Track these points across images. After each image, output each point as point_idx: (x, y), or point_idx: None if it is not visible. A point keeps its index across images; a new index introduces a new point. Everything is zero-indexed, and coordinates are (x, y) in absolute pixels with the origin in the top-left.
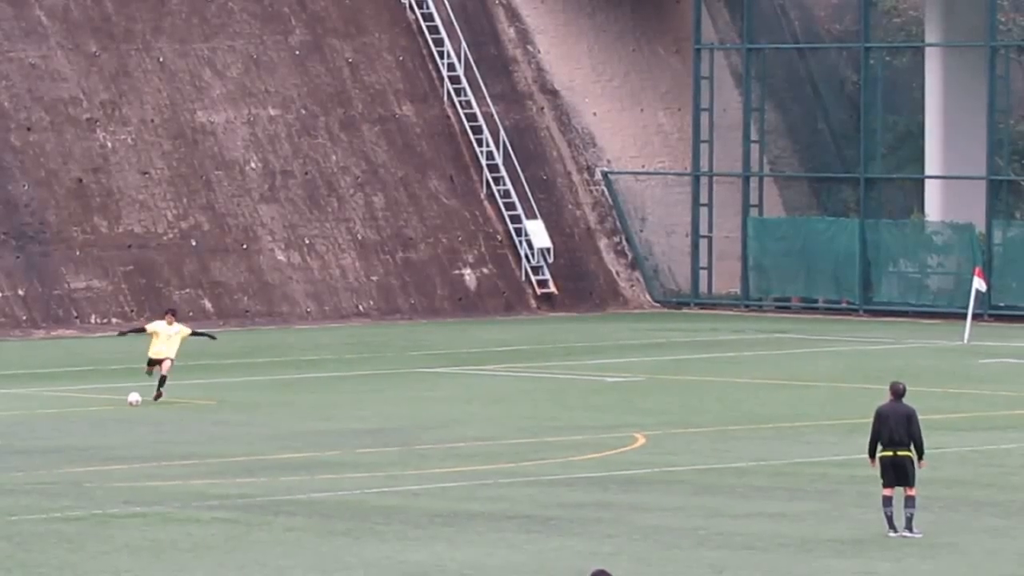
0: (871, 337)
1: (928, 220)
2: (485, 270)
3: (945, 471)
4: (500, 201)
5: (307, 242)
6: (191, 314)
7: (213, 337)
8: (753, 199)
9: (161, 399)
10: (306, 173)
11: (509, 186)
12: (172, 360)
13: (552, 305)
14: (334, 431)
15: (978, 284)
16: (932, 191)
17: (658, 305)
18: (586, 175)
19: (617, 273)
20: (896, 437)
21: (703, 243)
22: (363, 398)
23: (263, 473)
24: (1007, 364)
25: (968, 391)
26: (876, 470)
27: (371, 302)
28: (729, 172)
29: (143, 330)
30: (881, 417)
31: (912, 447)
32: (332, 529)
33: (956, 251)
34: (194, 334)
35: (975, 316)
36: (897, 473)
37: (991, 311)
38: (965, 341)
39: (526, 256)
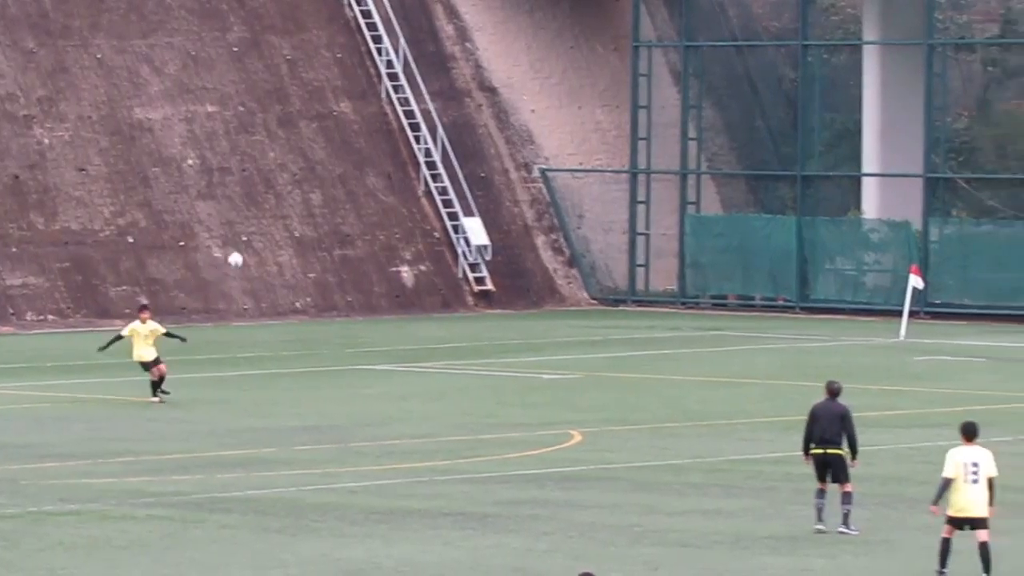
0: (808, 334)
1: (865, 217)
2: (423, 267)
3: (881, 468)
4: (438, 198)
5: (244, 239)
6: (127, 312)
7: (183, 339)
8: (691, 196)
9: (166, 396)
10: (244, 170)
11: (447, 183)
12: (162, 362)
13: (489, 302)
14: (271, 428)
15: (915, 281)
16: (869, 189)
17: (595, 302)
18: (524, 172)
19: (554, 270)
20: (827, 435)
21: (640, 240)
22: (300, 395)
23: (199, 471)
24: (943, 361)
25: (904, 388)
26: (810, 467)
27: (308, 299)
28: (667, 169)
29: (120, 336)
30: (814, 415)
31: (845, 445)
32: (268, 526)
33: (893, 248)
34: (167, 335)
35: (911, 313)
36: (828, 470)
37: (927, 308)
38: (901, 338)
39: (463, 253)
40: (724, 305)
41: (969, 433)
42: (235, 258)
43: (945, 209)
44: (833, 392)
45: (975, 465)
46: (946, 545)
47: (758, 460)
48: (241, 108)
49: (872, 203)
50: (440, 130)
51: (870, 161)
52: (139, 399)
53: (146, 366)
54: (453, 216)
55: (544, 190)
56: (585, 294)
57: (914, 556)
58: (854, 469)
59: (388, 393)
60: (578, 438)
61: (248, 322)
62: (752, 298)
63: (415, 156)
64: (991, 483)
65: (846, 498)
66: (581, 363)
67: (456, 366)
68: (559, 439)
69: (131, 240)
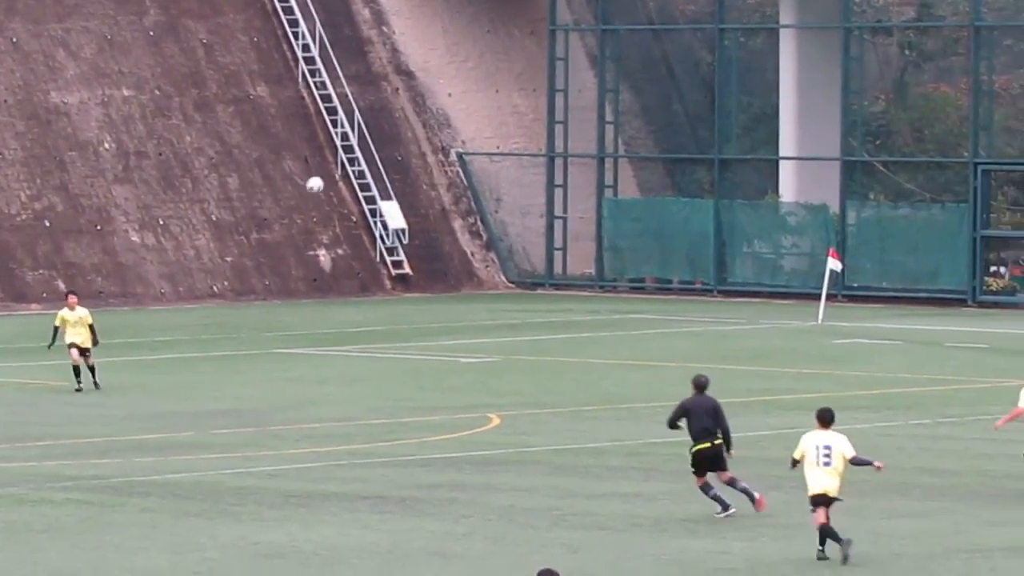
0: (726, 318)
1: (782, 201)
2: (340, 251)
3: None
4: (355, 182)
5: (161, 223)
6: (45, 295)
7: (95, 342)
8: (608, 180)
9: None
10: (160, 154)
11: (364, 167)
12: (90, 349)
13: (407, 286)
14: (189, 412)
15: (832, 264)
16: (787, 172)
17: (513, 286)
18: (441, 156)
19: (472, 254)
20: (709, 428)
21: (558, 224)
22: (218, 379)
23: (117, 454)
24: (860, 344)
25: (822, 371)
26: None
27: (226, 283)
28: (584, 153)
29: (56, 328)
30: (687, 411)
31: (720, 437)
32: (187, 510)
33: (810, 232)
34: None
35: (829, 296)
36: (712, 463)
37: (845, 291)
38: (819, 321)
39: (381, 237)
40: (642, 288)
41: (824, 419)
42: (315, 182)
43: (862, 192)
44: (700, 386)
45: (827, 448)
46: (825, 529)
47: (677, 443)
48: (157, 92)
49: (789, 187)
50: (357, 114)
51: (787, 144)
52: (58, 383)
53: (82, 351)
54: (370, 200)
55: (461, 174)
56: (503, 278)
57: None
58: (730, 459)
59: (306, 377)
60: (496, 421)
61: (165, 306)
62: (670, 281)
63: (332, 140)
64: (845, 463)
65: (732, 483)
66: (499, 347)
67: (374, 350)
68: (477, 422)
69: (48, 224)
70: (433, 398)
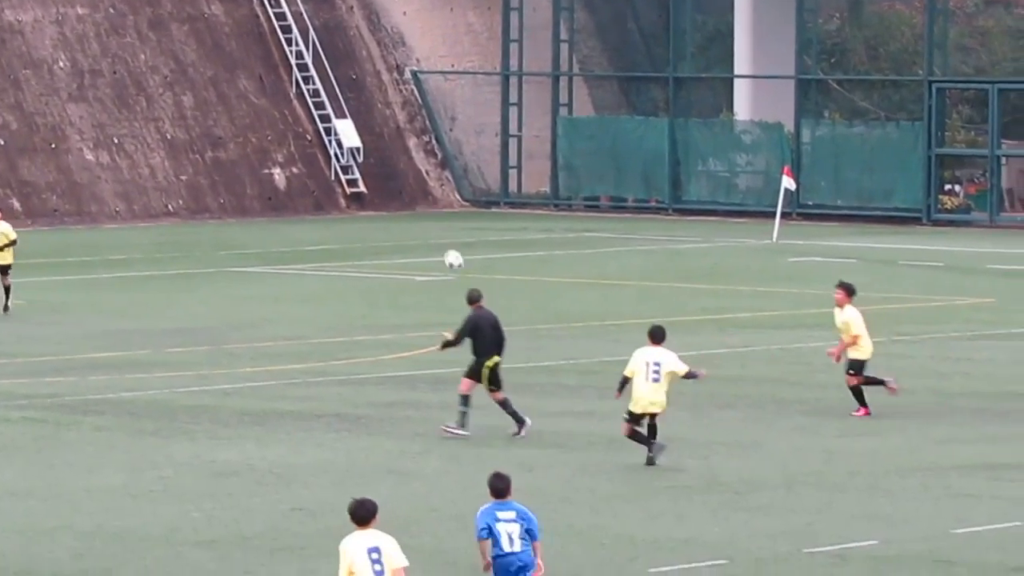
0: (680, 236)
1: (737, 119)
2: (295, 169)
3: (753, 369)
4: (309, 100)
5: (116, 141)
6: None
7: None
8: (563, 99)
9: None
10: (115, 72)
11: (319, 85)
12: (10, 267)
13: (362, 204)
14: (143, 330)
15: (787, 183)
16: (741, 90)
17: (468, 204)
18: (395, 74)
19: (427, 172)
20: (496, 341)
21: (512, 142)
22: (172, 297)
23: (72, 373)
24: (815, 263)
25: (776, 290)
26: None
27: (180, 201)
28: (539, 72)
29: None
30: (477, 326)
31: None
32: (141, 428)
33: (765, 150)
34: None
35: (784, 215)
36: (492, 377)
37: (799, 210)
38: (774, 240)
39: (335, 155)
40: (596, 207)
41: (655, 336)
42: (454, 258)
43: (817, 111)
44: (474, 300)
45: (657, 364)
46: (639, 436)
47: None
48: (112, 10)
49: (744, 105)
50: (311, 32)
51: (742, 63)
52: (12, 302)
53: (2, 269)
54: (325, 119)
55: (416, 92)
56: (458, 196)
57: (787, 457)
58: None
59: (261, 295)
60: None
61: (120, 224)
62: (625, 200)
63: (287, 58)
64: (674, 379)
65: (506, 404)
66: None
67: (329, 268)
68: (432, 341)
69: (2, 143)
70: (388, 316)
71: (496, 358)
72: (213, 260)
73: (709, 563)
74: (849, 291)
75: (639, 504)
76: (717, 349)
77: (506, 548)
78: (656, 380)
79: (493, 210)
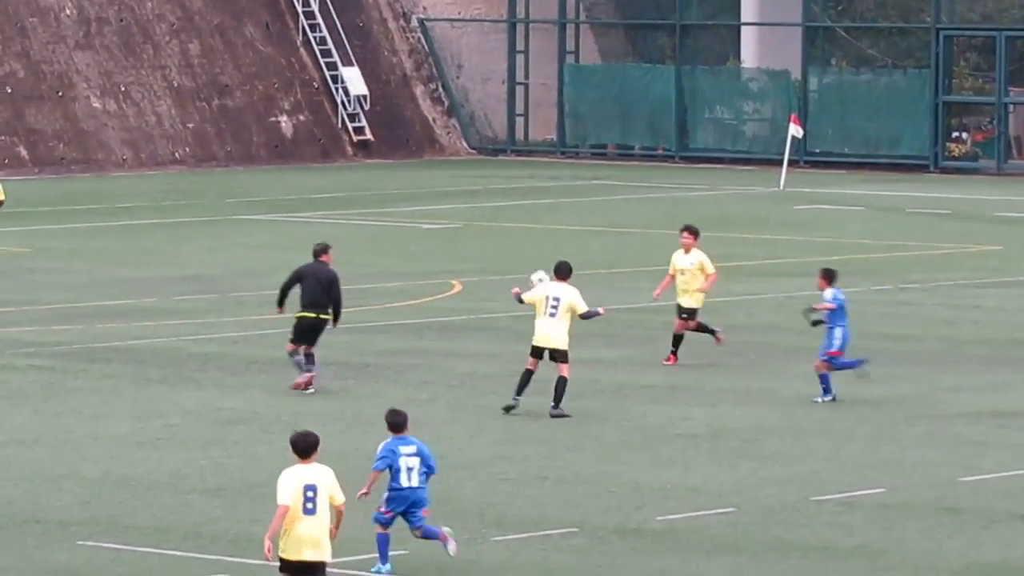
0: (687, 184)
1: (744, 67)
2: (301, 117)
3: (760, 317)
4: (316, 48)
5: (123, 89)
6: (7, 162)
7: None
8: (569, 46)
9: None
10: (121, 20)
11: (325, 33)
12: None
13: (368, 152)
14: (150, 278)
15: (794, 130)
16: (748, 38)
17: (474, 152)
18: (402, 22)
19: (433, 120)
20: (320, 299)
21: (519, 90)
22: (179, 245)
23: (79, 320)
24: (822, 210)
25: (783, 237)
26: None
27: (187, 149)
28: (545, 19)
29: None
30: (302, 278)
31: (331, 311)
32: (148, 376)
33: (772, 98)
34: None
35: (791, 162)
36: (313, 334)
37: (807, 157)
38: (780, 187)
39: (342, 103)
40: (603, 155)
41: (561, 272)
42: (540, 276)
43: (824, 58)
44: (317, 253)
45: (556, 300)
46: (527, 376)
47: (638, 309)
48: None
49: (751, 52)
50: None
51: (749, 10)
52: (19, 249)
53: None
54: (331, 66)
55: (423, 40)
56: (464, 144)
57: (793, 405)
58: (333, 331)
59: (268, 243)
60: (458, 288)
61: (127, 172)
62: (631, 148)
63: (293, 5)
64: (575, 316)
65: (309, 359)
66: (461, 213)
67: (335, 216)
68: (439, 289)
69: (9, 90)
70: (395, 265)
71: (309, 314)
72: (220, 208)
73: (716, 511)
74: (696, 234)
75: (646, 452)
76: (724, 297)
77: (404, 483)
78: (552, 315)
79: (500, 158)
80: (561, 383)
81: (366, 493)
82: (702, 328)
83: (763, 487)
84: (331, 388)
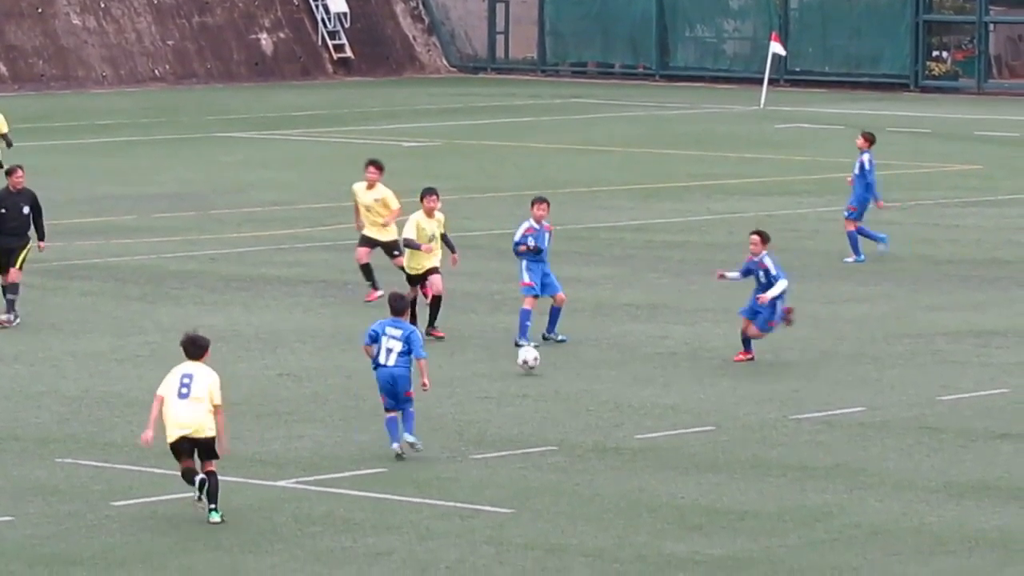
0: (668, 102)
1: None
2: (281, 35)
3: (740, 236)
4: None
5: (103, 6)
6: None
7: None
8: None
9: None
10: None
11: None
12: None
13: (349, 70)
14: (130, 196)
15: (775, 49)
16: None
17: (455, 70)
18: None
19: (414, 38)
20: (17, 227)
21: (500, 8)
22: (159, 163)
23: (59, 238)
24: (802, 129)
25: (764, 156)
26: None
27: (167, 66)
28: None
29: None
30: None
31: (32, 232)
32: (128, 294)
33: (753, 16)
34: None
35: (771, 81)
36: (8, 259)
37: (787, 76)
38: (761, 106)
39: (323, 20)
40: (584, 73)
41: (429, 193)
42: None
43: None
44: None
45: (432, 235)
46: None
47: (618, 228)
48: None
49: None
50: None
51: None
52: None
53: None
54: None
55: None
56: (445, 62)
57: None
58: (41, 252)
59: (248, 161)
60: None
61: (107, 89)
62: (612, 66)
63: None
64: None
65: (12, 289)
66: (441, 131)
67: (316, 134)
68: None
69: None
70: None
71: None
72: (200, 125)
73: (696, 430)
74: (381, 168)
75: (625, 370)
76: (704, 216)
77: (382, 360)
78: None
79: (480, 76)
80: (436, 301)
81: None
82: (368, 274)
83: (742, 406)
84: (311, 306)
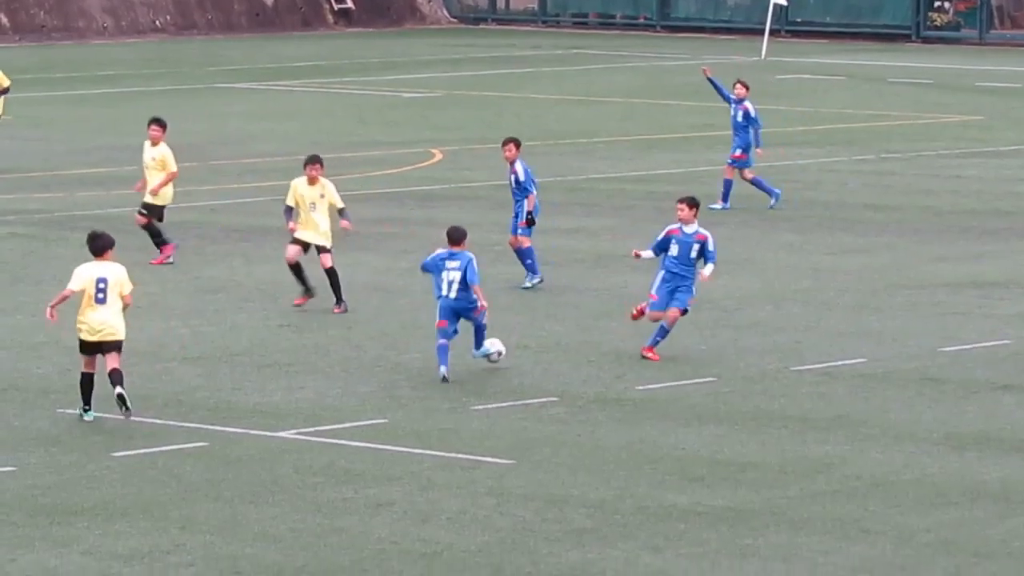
0: (668, 53)
1: None
2: None
3: (742, 187)
4: None
5: None
6: None
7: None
8: None
9: None
10: None
11: None
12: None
13: (349, 21)
14: (130, 147)
15: None
16: None
17: (455, 21)
18: None
19: None
20: None
21: None
22: (159, 113)
23: (60, 188)
24: (803, 80)
25: (765, 107)
26: None
27: (168, 17)
28: None
29: None
30: None
31: None
32: (128, 245)
33: None
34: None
35: (772, 32)
36: None
37: (788, 27)
38: (762, 57)
39: None
40: (585, 24)
41: (312, 161)
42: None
43: None
44: None
45: (313, 203)
46: (297, 270)
47: (619, 179)
48: None
49: None
50: None
51: None
52: None
53: None
54: None
55: None
56: (445, 12)
57: (775, 274)
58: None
59: (249, 112)
60: (439, 156)
61: (107, 40)
62: (613, 17)
63: None
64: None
65: None
66: (441, 82)
67: (316, 85)
68: (420, 157)
69: None
70: (375, 133)
71: None
72: (201, 76)
73: (697, 381)
74: (164, 127)
75: (626, 322)
76: (704, 167)
77: (443, 292)
78: (314, 214)
79: (481, 27)
80: (330, 274)
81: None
82: (155, 234)
83: (743, 357)
84: (311, 257)
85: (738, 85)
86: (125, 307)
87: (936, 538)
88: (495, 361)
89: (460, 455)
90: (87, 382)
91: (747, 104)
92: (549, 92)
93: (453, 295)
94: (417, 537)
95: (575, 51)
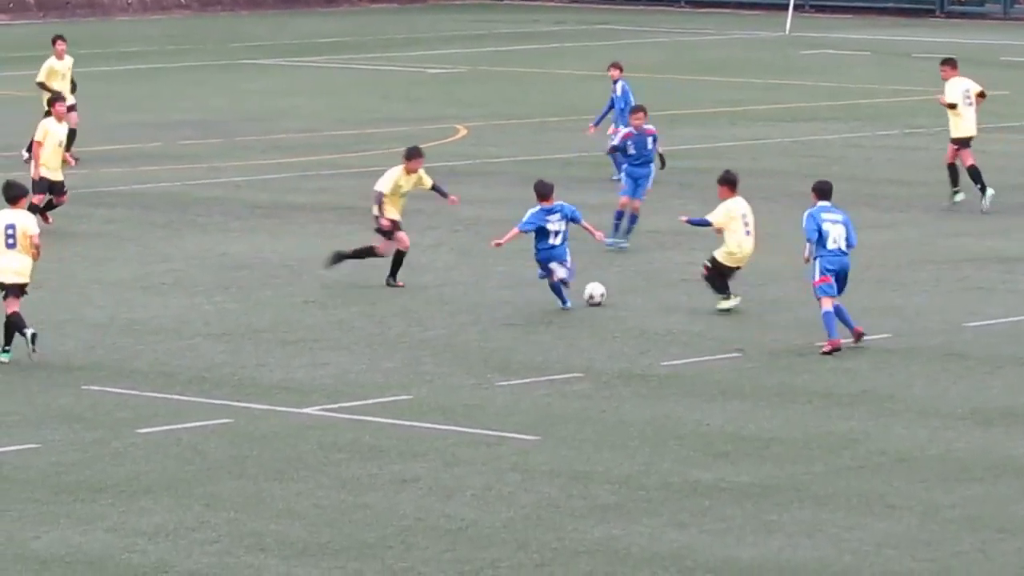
0: (694, 28)
1: None
2: None
3: (766, 162)
4: None
5: None
6: (12, 5)
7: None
8: None
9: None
10: None
11: None
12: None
13: None
14: (155, 123)
15: None
16: None
17: None
18: None
19: None
20: None
21: None
22: (184, 90)
23: (84, 165)
24: (828, 55)
25: (789, 82)
26: None
27: None
28: None
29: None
30: None
31: None
32: (153, 221)
33: None
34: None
35: (797, 7)
36: None
37: (813, 2)
38: (787, 32)
39: None
40: None
41: (417, 155)
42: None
43: None
44: None
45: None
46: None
47: None
48: None
49: None
50: None
51: None
52: (23, 93)
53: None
54: None
55: None
56: None
57: (800, 250)
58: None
59: (273, 88)
60: (463, 132)
61: (132, 16)
62: None
63: None
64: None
65: None
66: (466, 57)
67: (341, 61)
68: (444, 133)
69: None
70: (400, 109)
71: None
72: (225, 52)
73: (721, 356)
74: (65, 103)
75: (651, 297)
76: (730, 142)
77: (550, 242)
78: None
79: (505, 2)
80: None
81: (500, 244)
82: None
83: (768, 332)
84: (336, 233)
85: (613, 68)
86: (36, 254)
87: (961, 514)
88: (597, 303)
89: (485, 431)
90: (8, 324)
91: (619, 84)
92: (574, 68)
93: (559, 241)
94: (442, 513)
95: (600, 26)
